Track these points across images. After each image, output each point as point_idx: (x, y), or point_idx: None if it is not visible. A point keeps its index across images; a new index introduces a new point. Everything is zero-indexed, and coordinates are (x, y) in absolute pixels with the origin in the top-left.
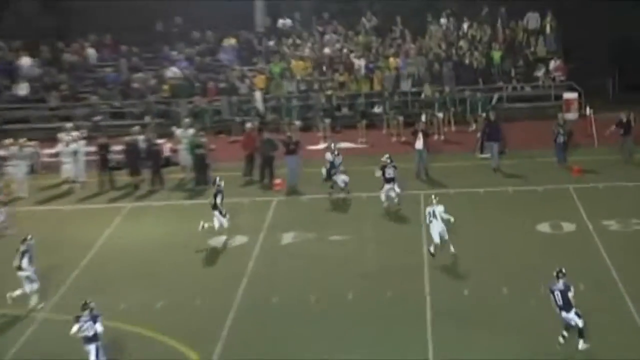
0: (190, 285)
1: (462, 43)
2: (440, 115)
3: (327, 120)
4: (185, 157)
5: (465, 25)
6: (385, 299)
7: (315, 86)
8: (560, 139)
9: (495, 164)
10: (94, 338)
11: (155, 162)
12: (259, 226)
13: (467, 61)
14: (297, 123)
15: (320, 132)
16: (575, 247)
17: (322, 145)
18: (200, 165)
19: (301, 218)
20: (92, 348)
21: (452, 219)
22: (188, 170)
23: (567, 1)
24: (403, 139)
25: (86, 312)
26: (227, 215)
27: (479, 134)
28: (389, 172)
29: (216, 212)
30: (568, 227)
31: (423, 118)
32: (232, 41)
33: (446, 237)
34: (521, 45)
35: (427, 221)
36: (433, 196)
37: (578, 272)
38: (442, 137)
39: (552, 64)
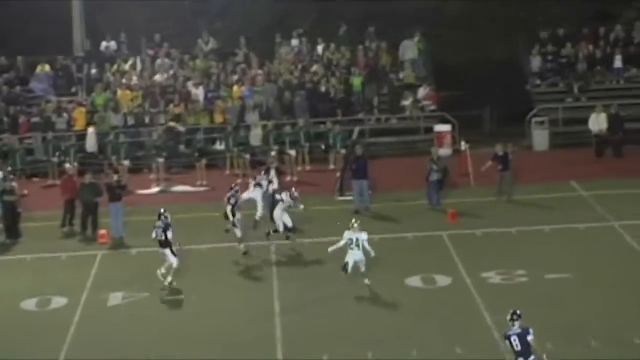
0: None
1: (316, 68)
2: (293, 152)
3: (161, 160)
4: None
5: (320, 48)
6: None
7: (147, 120)
8: (434, 177)
9: (365, 205)
10: None
11: None
12: (81, 285)
13: (323, 89)
14: (126, 163)
15: (153, 174)
16: (451, 304)
17: (154, 190)
18: (11, 215)
19: (131, 275)
20: None
21: (373, 254)
22: None
23: (438, 22)
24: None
25: None
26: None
27: (338, 174)
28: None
29: (167, 251)
30: (442, 281)
31: (273, 154)
32: (46, 68)
33: (363, 269)
34: (385, 70)
35: (348, 248)
36: (354, 220)
37: (454, 332)
38: (296, 178)
39: (421, 92)
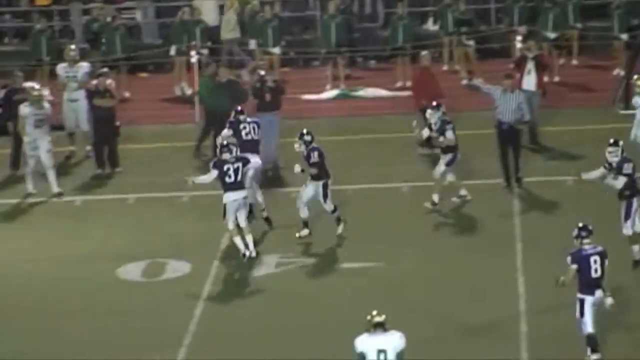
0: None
1: None
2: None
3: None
4: (73, 117)
5: None
6: None
7: None
8: None
9: None
10: None
11: None
12: (213, 243)
13: None
14: (276, 51)
15: (328, 69)
16: None
17: (327, 94)
18: (105, 130)
19: (291, 231)
20: None
21: None
22: (78, 138)
23: None
24: (471, 78)
25: None
26: None
27: (616, 70)
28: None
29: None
30: None
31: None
32: None
33: None
34: None
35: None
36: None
37: None
38: (557, 78)
39: None
